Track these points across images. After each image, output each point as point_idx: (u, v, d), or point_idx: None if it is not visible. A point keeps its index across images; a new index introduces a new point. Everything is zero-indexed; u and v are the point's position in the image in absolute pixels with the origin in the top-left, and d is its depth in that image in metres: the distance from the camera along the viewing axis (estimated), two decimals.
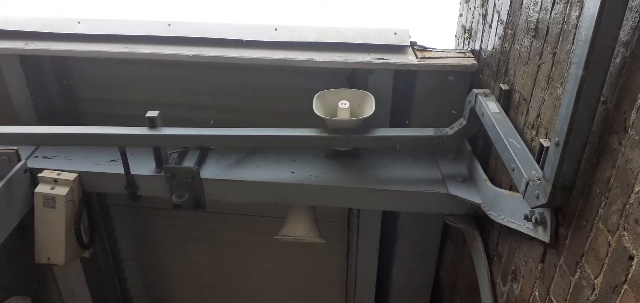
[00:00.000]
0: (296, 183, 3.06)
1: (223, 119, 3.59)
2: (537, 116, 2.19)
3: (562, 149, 1.72)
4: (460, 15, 3.75)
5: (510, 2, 2.56)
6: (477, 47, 3.17)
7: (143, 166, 3.15)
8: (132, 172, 3.10)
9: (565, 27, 1.95)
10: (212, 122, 3.31)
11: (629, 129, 1.52)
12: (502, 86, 2.57)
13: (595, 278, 1.70)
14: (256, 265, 4.70)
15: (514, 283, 2.46)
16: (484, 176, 2.78)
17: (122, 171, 3.08)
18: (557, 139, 1.74)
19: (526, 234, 2.20)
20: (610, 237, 1.61)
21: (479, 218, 2.95)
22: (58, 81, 3.63)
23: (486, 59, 2.95)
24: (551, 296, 2.04)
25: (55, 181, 3.08)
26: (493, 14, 2.86)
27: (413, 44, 3.27)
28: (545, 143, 1.95)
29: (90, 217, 3.39)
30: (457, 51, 3.28)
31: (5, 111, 3.55)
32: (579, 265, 1.81)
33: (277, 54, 3.15)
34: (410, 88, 3.24)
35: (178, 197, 3.05)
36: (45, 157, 3.29)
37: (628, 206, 1.52)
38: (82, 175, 3.16)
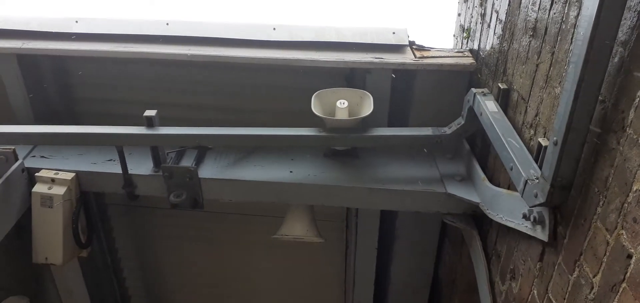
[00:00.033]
0: (294, 183, 3.06)
1: (221, 118, 3.59)
2: (536, 115, 2.19)
3: (561, 149, 1.72)
4: (459, 14, 3.75)
5: (509, 2, 2.56)
6: (475, 47, 3.17)
7: (141, 166, 3.15)
8: (129, 171, 3.09)
9: (563, 27, 1.95)
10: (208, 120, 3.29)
11: (627, 128, 1.52)
12: (500, 86, 2.57)
13: (593, 277, 1.71)
14: (254, 265, 4.70)
15: (513, 282, 2.47)
16: (482, 175, 2.78)
17: (119, 171, 3.08)
18: (555, 138, 1.74)
19: (525, 233, 2.20)
20: (609, 236, 1.61)
21: (477, 217, 2.95)
22: (55, 80, 3.62)
23: (485, 59, 2.95)
24: (550, 295, 2.04)
25: (52, 180, 3.07)
26: (491, 14, 2.86)
27: (411, 44, 3.27)
28: (544, 142, 1.95)
29: (88, 217, 3.38)
30: (456, 51, 3.29)
31: (2, 111, 3.54)
32: (578, 263, 1.81)
33: (276, 53, 3.15)
34: (408, 87, 3.24)
35: (176, 196, 3.04)
36: (42, 156, 3.28)
37: (626, 205, 1.52)
38: (79, 175, 3.15)
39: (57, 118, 3.67)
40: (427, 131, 2.91)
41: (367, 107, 2.89)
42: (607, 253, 1.62)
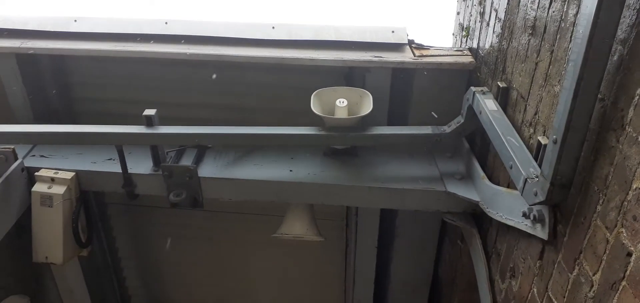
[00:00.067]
0: (294, 182, 3.06)
1: (221, 117, 3.58)
2: (535, 114, 2.19)
3: (560, 147, 1.72)
4: (458, 13, 3.75)
5: (508, 0, 2.56)
6: (474, 45, 3.17)
7: (140, 165, 3.15)
8: (129, 171, 3.09)
9: (562, 25, 1.95)
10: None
11: (627, 127, 1.52)
12: (499, 84, 2.57)
13: (593, 275, 1.71)
14: (254, 264, 4.70)
15: (513, 280, 2.47)
16: (482, 173, 2.78)
17: (119, 170, 3.08)
18: (555, 136, 1.74)
19: (524, 231, 2.20)
20: (609, 234, 1.61)
21: (477, 216, 2.95)
22: (55, 79, 3.61)
23: (484, 57, 2.95)
24: (549, 293, 2.04)
25: (52, 180, 3.07)
26: (490, 12, 2.86)
27: (411, 42, 3.27)
28: (543, 140, 1.95)
29: (88, 216, 3.38)
30: (455, 49, 3.29)
31: (1, 110, 3.54)
32: (577, 261, 1.82)
33: (275, 52, 3.15)
34: (407, 86, 3.24)
35: (176, 196, 3.05)
36: (42, 156, 3.28)
37: (626, 203, 1.52)
38: (79, 174, 3.15)
39: (57, 117, 3.67)
40: (426, 130, 2.91)
41: (367, 106, 2.89)
42: (607, 251, 1.62)
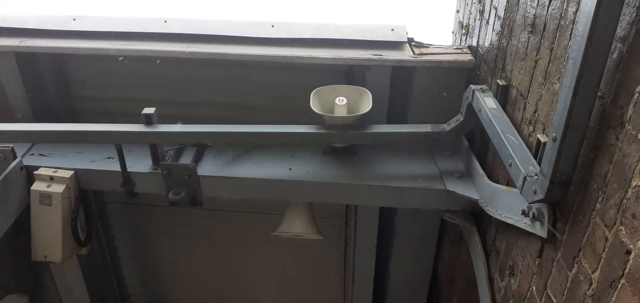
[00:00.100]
0: (294, 180, 3.06)
1: (220, 116, 3.58)
2: (535, 112, 2.19)
3: (560, 145, 1.71)
4: (458, 11, 3.75)
5: None
6: (474, 43, 3.17)
7: (139, 164, 3.15)
8: (128, 169, 3.09)
9: (562, 23, 1.95)
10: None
11: (626, 124, 1.52)
12: (499, 82, 2.57)
13: (592, 273, 1.71)
14: (254, 262, 4.70)
15: (512, 279, 2.47)
16: (481, 172, 2.78)
17: (118, 169, 3.07)
18: (554, 134, 1.74)
19: (523, 229, 2.20)
20: (608, 232, 1.61)
21: (476, 214, 2.95)
22: (54, 78, 3.61)
23: (483, 55, 2.95)
24: (548, 291, 2.04)
25: (51, 178, 3.07)
26: (490, 10, 2.86)
27: (410, 41, 3.26)
28: (543, 138, 1.95)
29: (87, 214, 3.38)
30: (454, 47, 3.28)
31: (1, 108, 3.54)
32: (577, 259, 1.82)
33: (274, 50, 3.15)
34: (407, 84, 3.23)
35: (175, 194, 3.04)
36: (41, 154, 3.28)
37: (625, 201, 1.52)
38: (78, 172, 3.15)
39: (56, 115, 3.67)
40: (426, 128, 2.91)
41: (366, 105, 2.88)
42: (606, 249, 1.62)
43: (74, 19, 3.39)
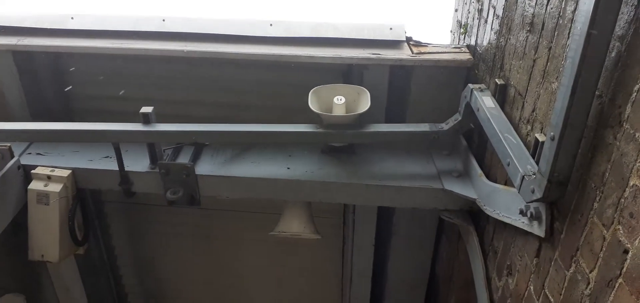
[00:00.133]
0: (292, 179, 3.05)
1: (218, 115, 3.58)
2: (533, 111, 2.19)
3: (558, 144, 1.71)
4: (456, 10, 3.75)
5: None
6: (472, 43, 3.17)
7: (137, 163, 3.14)
8: (126, 168, 3.08)
9: (560, 22, 1.95)
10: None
11: (624, 123, 1.52)
12: (497, 81, 2.57)
13: (590, 272, 1.71)
14: (251, 262, 4.70)
15: (509, 278, 2.47)
16: (479, 171, 2.78)
17: (116, 168, 3.07)
18: (552, 133, 1.74)
19: (521, 229, 2.20)
20: (605, 231, 1.61)
21: (474, 213, 2.95)
22: (51, 76, 3.60)
23: (482, 54, 2.95)
24: (546, 290, 2.04)
25: (48, 177, 3.06)
26: (489, 9, 2.86)
27: (409, 40, 3.27)
28: (541, 137, 1.95)
29: (84, 214, 3.37)
30: (453, 46, 3.28)
31: None
32: (574, 259, 1.82)
33: (272, 49, 3.14)
34: (405, 84, 3.23)
35: (173, 193, 3.04)
36: (38, 153, 3.27)
37: (623, 200, 1.52)
38: (75, 172, 3.14)
39: (53, 114, 3.66)
40: (424, 127, 2.90)
41: (364, 104, 2.88)
42: (604, 249, 1.62)
43: (72, 18, 3.39)
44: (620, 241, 1.53)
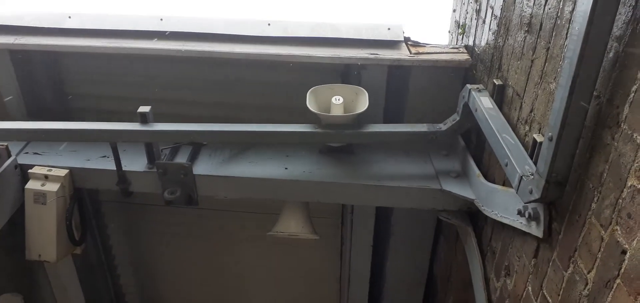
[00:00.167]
0: (290, 179, 3.05)
1: (216, 114, 3.57)
2: (531, 111, 2.19)
3: (556, 144, 1.71)
4: (454, 10, 3.75)
5: None
6: (470, 43, 3.16)
7: (135, 162, 3.13)
8: (123, 168, 3.07)
9: (558, 22, 1.95)
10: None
11: (622, 124, 1.52)
12: (495, 82, 2.57)
13: (588, 273, 1.70)
14: (249, 262, 4.69)
15: (507, 279, 2.47)
16: (477, 171, 2.78)
17: (113, 167, 3.06)
18: (550, 134, 1.74)
19: (519, 229, 2.20)
20: (603, 232, 1.61)
21: (472, 214, 2.95)
22: (48, 76, 3.59)
23: (480, 55, 2.95)
24: (544, 291, 2.04)
25: (46, 177, 3.05)
26: (486, 9, 2.85)
27: (407, 40, 3.26)
28: (539, 138, 1.95)
29: (82, 213, 3.37)
30: (451, 47, 3.28)
31: None
32: (572, 259, 1.81)
33: (271, 49, 3.14)
34: (403, 84, 3.23)
35: (170, 193, 3.03)
36: (35, 153, 3.26)
37: (621, 201, 1.52)
38: (73, 171, 3.13)
39: (50, 114, 3.64)
40: (422, 128, 2.90)
41: (363, 104, 2.88)
42: (602, 249, 1.62)
43: (69, 17, 3.38)
44: (618, 241, 1.53)
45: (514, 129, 2.32)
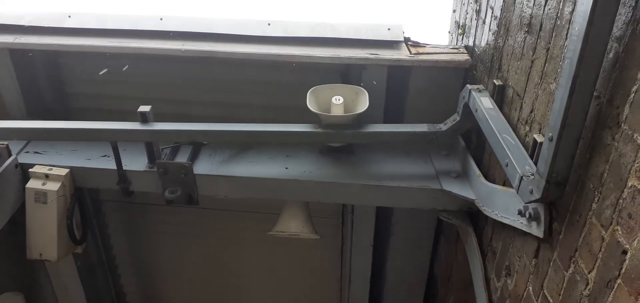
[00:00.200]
0: (290, 179, 3.05)
1: (216, 114, 3.57)
2: (531, 112, 2.19)
3: (556, 145, 1.71)
4: (454, 11, 3.74)
5: None
6: (470, 43, 3.16)
7: (135, 162, 3.13)
8: (124, 167, 3.08)
9: (558, 23, 1.95)
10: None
11: (622, 124, 1.52)
12: (495, 82, 2.57)
13: (588, 273, 1.71)
14: (250, 261, 4.69)
15: (508, 279, 2.47)
16: (477, 171, 2.78)
17: (114, 167, 3.06)
18: (550, 134, 1.74)
19: (520, 229, 2.20)
20: (604, 232, 1.61)
21: (472, 214, 2.95)
22: (48, 75, 3.59)
23: (480, 55, 2.95)
24: (545, 291, 2.04)
25: (46, 176, 3.05)
26: (487, 10, 2.85)
27: (407, 40, 3.26)
28: (539, 138, 1.95)
29: (82, 213, 3.37)
30: (451, 47, 3.28)
31: None
32: (573, 259, 1.82)
33: (271, 49, 3.14)
34: (404, 84, 3.23)
35: (171, 193, 3.03)
36: (36, 152, 3.26)
37: (621, 201, 1.52)
38: (73, 170, 3.14)
39: (51, 113, 3.65)
40: (422, 128, 2.90)
41: (363, 104, 2.88)
42: (602, 249, 1.62)
43: (69, 16, 3.38)
44: (619, 241, 1.53)
45: (514, 129, 2.32)
